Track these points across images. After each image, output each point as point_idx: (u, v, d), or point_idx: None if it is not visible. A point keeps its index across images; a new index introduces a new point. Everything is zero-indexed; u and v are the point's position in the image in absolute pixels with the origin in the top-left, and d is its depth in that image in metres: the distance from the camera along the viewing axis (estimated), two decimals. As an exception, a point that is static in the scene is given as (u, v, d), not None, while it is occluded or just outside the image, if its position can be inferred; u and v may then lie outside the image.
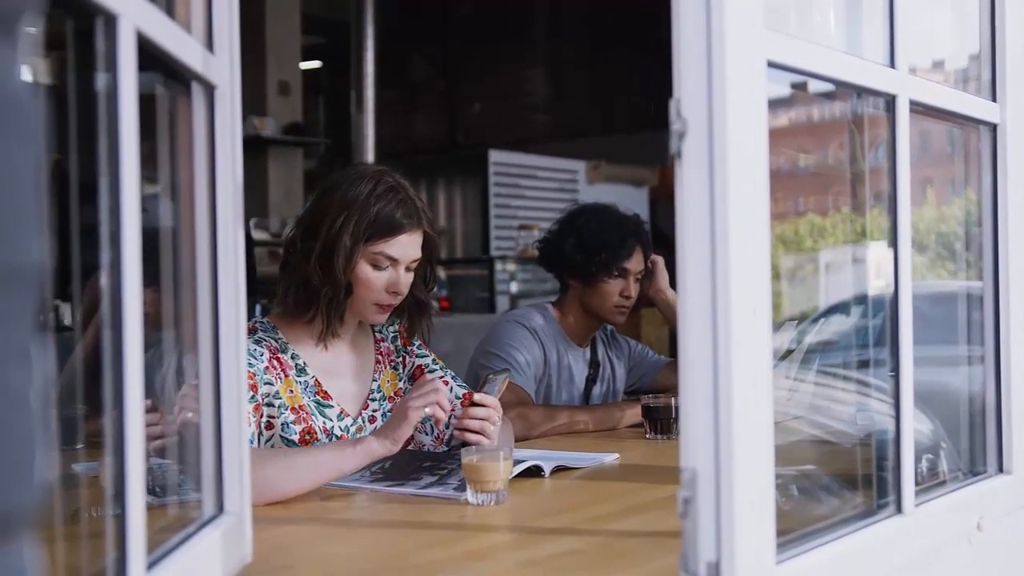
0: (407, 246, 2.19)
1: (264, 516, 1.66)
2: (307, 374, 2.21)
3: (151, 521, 1.04)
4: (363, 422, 2.27)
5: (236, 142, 1.37)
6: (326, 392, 2.23)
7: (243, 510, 1.39)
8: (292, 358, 2.21)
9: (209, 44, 1.33)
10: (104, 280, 1.00)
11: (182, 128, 1.32)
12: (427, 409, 1.95)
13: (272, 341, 2.19)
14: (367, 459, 1.96)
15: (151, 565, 1.07)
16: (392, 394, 2.35)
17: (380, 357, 2.37)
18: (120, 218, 0.98)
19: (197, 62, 1.26)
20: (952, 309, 2.03)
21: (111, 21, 0.98)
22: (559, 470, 2.17)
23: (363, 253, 2.16)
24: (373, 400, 2.32)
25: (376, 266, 2.18)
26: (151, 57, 1.09)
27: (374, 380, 2.33)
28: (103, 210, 0.98)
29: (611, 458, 2.33)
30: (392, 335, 2.41)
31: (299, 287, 2.19)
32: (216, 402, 1.35)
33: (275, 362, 2.16)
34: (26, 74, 0.59)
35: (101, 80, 0.99)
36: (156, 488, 1.35)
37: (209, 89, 1.33)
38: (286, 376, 2.17)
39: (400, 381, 2.38)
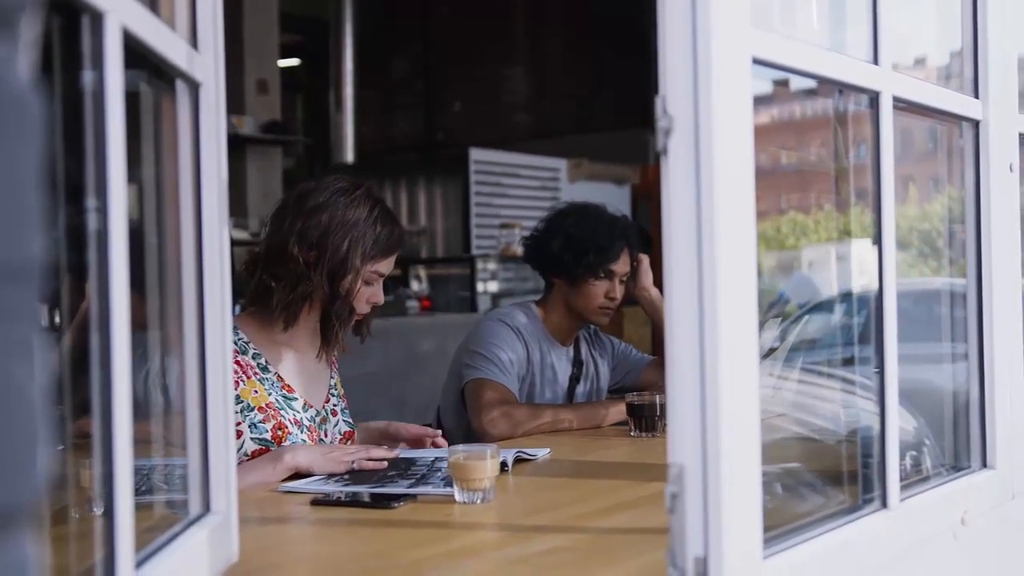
0: (393, 262, 2.32)
1: (250, 516, 1.66)
2: (270, 371, 2.26)
3: (136, 520, 1.04)
4: (326, 413, 2.36)
5: (221, 140, 1.36)
6: (289, 386, 2.29)
7: (229, 509, 1.38)
8: (253, 357, 2.25)
9: (194, 41, 1.32)
10: (91, 280, 0.99)
11: (166, 126, 1.31)
12: (355, 464, 2.09)
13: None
14: (287, 472, 2.07)
15: (139, 564, 1.06)
16: (342, 393, 2.46)
17: (333, 358, 2.46)
18: (107, 217, 0.98)
19: (182, 59, 1.25)
20: (934, 306, 2.04)
21: (97, 18, 0.97)
22: (519, 461, 2.21)
23: (363, 273, 2.24)
24: (333, 395, 2.41)
25: (368, 283, 2.27)
26: (135, 54, 1.09)
27: (332, 377, 2.43)
28: (89, 209, 0.98)
29: (543, 452, 2.34)
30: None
31: (300, 300, 2.23)
32: (202, 402, 1.34)
33: (235, 365, 2.17)
34: (26, 71, 0.59)
35: (87, 77, 0.98)
36: (140, 487, 1.34)
37: (194, 87, 1.32)
38: (248, 377, 2.21)
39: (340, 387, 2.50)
